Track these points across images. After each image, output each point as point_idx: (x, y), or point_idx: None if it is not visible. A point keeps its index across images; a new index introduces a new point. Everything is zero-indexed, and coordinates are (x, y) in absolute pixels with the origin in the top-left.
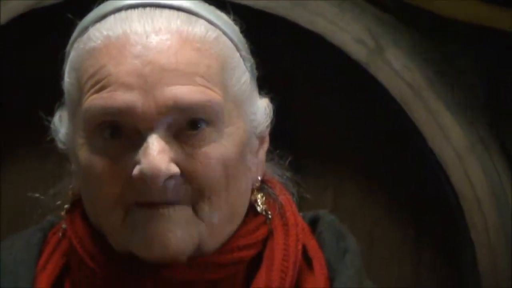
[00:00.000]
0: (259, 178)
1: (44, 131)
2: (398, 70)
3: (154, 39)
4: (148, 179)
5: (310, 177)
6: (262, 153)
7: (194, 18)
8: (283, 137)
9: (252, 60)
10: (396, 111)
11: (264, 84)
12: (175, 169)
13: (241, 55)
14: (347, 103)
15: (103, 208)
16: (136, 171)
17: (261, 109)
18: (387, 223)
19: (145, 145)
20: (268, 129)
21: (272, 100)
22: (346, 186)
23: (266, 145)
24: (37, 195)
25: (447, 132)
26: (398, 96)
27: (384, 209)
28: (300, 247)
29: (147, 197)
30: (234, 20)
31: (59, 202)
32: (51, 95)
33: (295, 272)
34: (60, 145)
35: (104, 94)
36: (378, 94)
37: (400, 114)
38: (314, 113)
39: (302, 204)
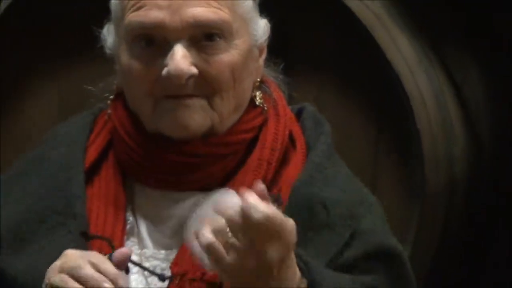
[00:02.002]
0: (258, 79)
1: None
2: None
3: None
4: (173, 77)
5: (298, 79)
6: (261, 60)
7: None
8: (277, 48)
9: None
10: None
11: (262, 9)
12: (194, 70)
13: None
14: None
15: (139, 99)
16: (164, 71)
17: (261, 26)
18: (356, 118)
19: (171, 52)
20: (266, 42)
21: (269, 20)
22: (326, 87)
23: (264, 54)
24: (89, 87)
25: (401, 49)
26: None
27: (354, 106)
28: (287, 132)
29: (173, 91)
30: None
31: (106, 94)
32: (102, 12)
33: (282, 150)
34: (107, 50)
35: (141, 12)
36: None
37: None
38: (303, 27)
39: (290, 100)
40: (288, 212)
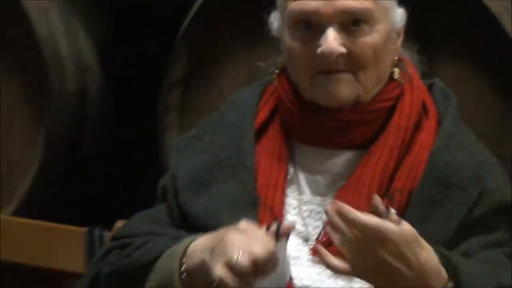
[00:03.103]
0: (396, 58)
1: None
2: None
3: None
4: (326, 56)
5: (429, 59)
6: (398, 42)
7: None
8: (412, 33)
9: None
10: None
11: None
12: (343, 49)
13: None
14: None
15: (298, 74)
16: (319, 50)
17: (399, 14)
18: (483, 98)
19: (325, 34)
20: (403, 27)
21: (406, 9)
22: (454, 63)
23: (401, 37)
24: (259, 63)
25: None
26: None
27: (480, 83)
28: (420, 101)
29: (326, 67)
30: None
31: (273, 69)
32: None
33: (417, 117)
34: (273, 33)
35: (301, 1)
36: None
37: None
38: (438, 15)
39: (422, 76)
40: (426, 175)
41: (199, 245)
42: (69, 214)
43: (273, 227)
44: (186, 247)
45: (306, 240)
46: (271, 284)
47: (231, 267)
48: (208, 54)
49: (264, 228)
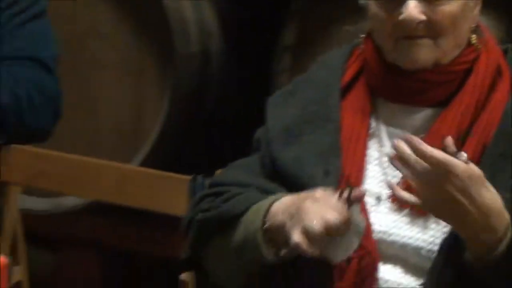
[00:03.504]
0: (473, 25)
1: None
2: None
3: None
4: (407, 22)
5: (508, 28)
6: (476, 10)
7: None
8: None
9: None
10: None
11: None
12: (423, 17)
13: None
14: None
15: (382, 39)
16: (401, 17)
17: None
18: None
19: (406, 3)
20: None
21: None
22: None
23: (479, 6)
24: (347, 27)
25: None
26: None
27: None
28: (495, 64)
29: (407, 33)
30: None
31: (361, 34)
32: None
33: (491, 78)
34: (361, 2)
35: None
36: None
37: None
38: None
39: (500, 42)
40: (499, 132)
41: (280, 208)
42: (191, 163)
43: (345, 193)
44: (270, 206)
45: (385, 188)
46: (343, 247)
47: (306, 233)
48: (318, 21)
49: (337, 195)
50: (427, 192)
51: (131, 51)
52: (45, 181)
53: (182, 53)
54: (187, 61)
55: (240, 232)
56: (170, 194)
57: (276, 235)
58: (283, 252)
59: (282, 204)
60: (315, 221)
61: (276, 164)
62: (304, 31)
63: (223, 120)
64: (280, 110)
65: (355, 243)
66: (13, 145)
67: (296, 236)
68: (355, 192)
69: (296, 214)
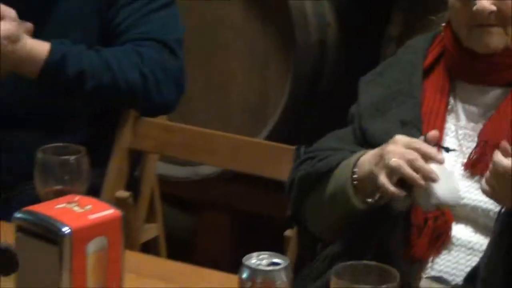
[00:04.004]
0: None
1: None
2: None
3: None
4: (480, 12)
5: None
6: None
7: None
8: None
9: None
10: None
11: None
12: (493, 7)
13: None
14: None
15: (459, 27)
16: (474, 8)
17: None
18: None
19: None
20: None
21: None
22: None
23: None
24: (431, 17)
25: None
26: None
27: None
28: None
29: (480, 21)
30: None
31: (443, 24)
32: None
33: None
34: None
35: None
36: None
37: None
38: None
39: None
40: None
41: (366, 159)
42: (307, 138)
43: (421, 139)
44: (357, 160)
45: (460, 158)
46: (445, 194)
47: (390, 173)
48: (421, 13)
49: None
50: (498, 186)
51: (257, 42)
52: (171, 150)
53: (302, 43)
54: (306, 50)
55: (331, 185)
56: (278, 161)
57: (365, 184)
58: (372, 199)
59: (368, 155)
60: (395, 159)
61: (366, 135)
62: (407, 24)
63: (336, 101)
64: (370, 88)
65: (454, 190)
66: (145, 118)
67: (382, 178)
68: (430, 136)
69: (380, 159)
